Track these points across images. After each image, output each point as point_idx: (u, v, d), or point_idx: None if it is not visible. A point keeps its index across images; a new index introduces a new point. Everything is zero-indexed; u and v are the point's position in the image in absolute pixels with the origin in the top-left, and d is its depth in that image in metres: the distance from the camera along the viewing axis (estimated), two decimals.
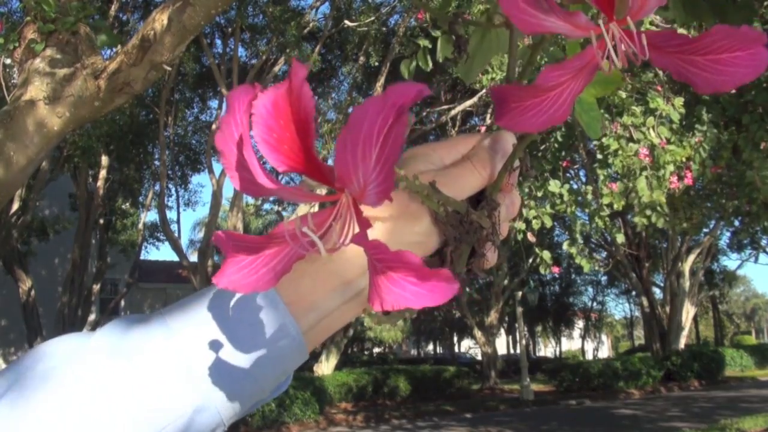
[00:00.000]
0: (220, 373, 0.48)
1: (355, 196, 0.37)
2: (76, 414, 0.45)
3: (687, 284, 22.07)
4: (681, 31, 5.45)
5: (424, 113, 15.49)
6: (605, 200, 6.78)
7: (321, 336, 0.53)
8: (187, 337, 0.49)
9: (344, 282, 0.50)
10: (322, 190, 0.41)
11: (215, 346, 0.49)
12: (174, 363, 0.48)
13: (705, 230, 18.70)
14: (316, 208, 0.43)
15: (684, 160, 6.71)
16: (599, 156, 6.97)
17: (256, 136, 0.37)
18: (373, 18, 13.15)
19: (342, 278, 0.50)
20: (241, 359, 0.49)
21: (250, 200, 21.46)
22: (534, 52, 0.52)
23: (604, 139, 6.78)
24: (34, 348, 0.51)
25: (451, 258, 0.50)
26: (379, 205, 0.36)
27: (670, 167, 6.57)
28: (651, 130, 6.57)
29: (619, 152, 6.58)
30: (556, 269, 7.71)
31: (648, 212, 6.72)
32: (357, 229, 0.38)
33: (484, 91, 10.43)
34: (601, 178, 6.91)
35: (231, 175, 0.40)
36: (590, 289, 37.26)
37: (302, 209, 13.77)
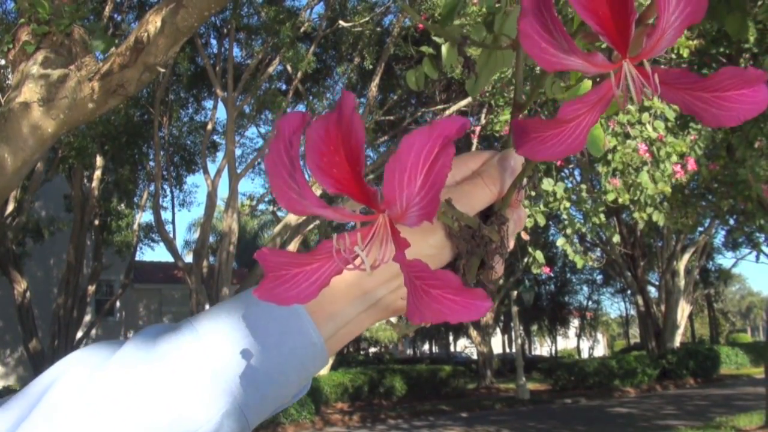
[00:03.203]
0: (248, 379, 0.51)
1: (395, 217, 0.40)
2: (106, 426, 0.47)
3: (682, 283, 22.12)
4: None
5: (419, 113, 15.50)
6: (610, 196, 6.78)
7: (341, 342, 0.56)
8: (217, 345, 0.51)
9: (363, 292, 0.53)
10: (359, 210, 0.43)
11: (243, 353, 0.51)
12: (204, 370, 0.50)
13: (700, 229, 18.75)
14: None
15: (686, 150, 6.75)
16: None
17: (308, 160, 0.40)
18: (367, 18, 13.15)
19: (361, 288, 0.53)
20: (267, 366, 0.51)
21: (246, 201, 21.43)
22: (541, 77, 0.56)
23: None
24: (61, 360, 0.52)
25: (463, 270, 0.53)
26: (418, 225, 0.39)
27: (673, 158, 6.61)
28: (648, 125, 6.60)
29: (618, 148, 6.60)
30: (547, 269, 7.72)
31: (649, 209, 6.73)
32: (393, 247, 0.42)
33: None
34: (603, 173, 6.91)
35: (278, 194, 0.42)
36: (586, 288, 37.29)
37: (292, 218, 13.75)
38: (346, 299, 0.53)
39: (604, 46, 0.45)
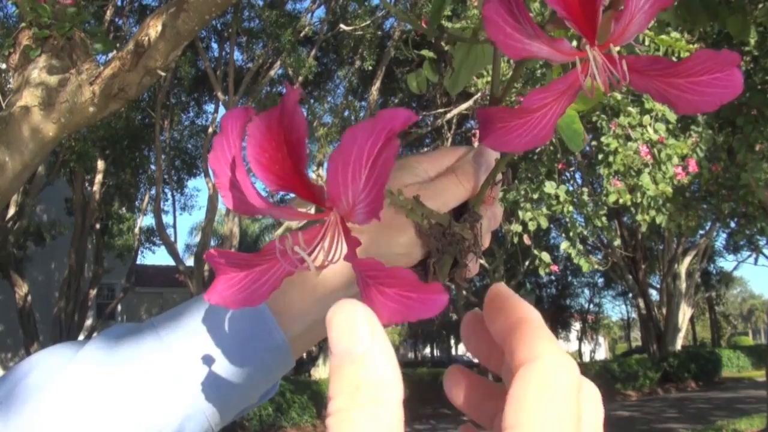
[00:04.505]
0: (210, 382, 0.50)
1: (343, 215, 0.39)
2: (68, 424, 0.46)
3: (683, 286, 22.09)
4: (674, 34, 5.48)
5: (420, 116, 15.50)
6: (611, 198, 6.77)
7: (307, 344, 0.55)
8: (178, 347, 0.50)
9: (329, 292, 0.52)
10: (310, 209, 0.42)
11: (205, 356, 0.50)
12: (165, 373, 0.49)
13: (701, 232, 18.72)
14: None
15: (687, 152, 6.75)
16: (600, 156, 6.99)
17: (249, 156, 0.38)
18: (368, 22, 13.16)
19: (326, 288, 0.52)
20: (229, 369, 0.51)
21: None
22: (516, 71, 0.54)
23: (603, 138, 6.80)
24: (25, 360, 0.52)
25: (434, 268, 0.52)
26: (367, 223, 0.37)
27: (675, 160, 6.61)
28: (649, 128, 6.60)
29: (619, 150, 6.60)
30: (555, 268, 7.70)
31: (652, 212, 6.73)
32: (345, 246, 0.40)
33: (479, 94, 10.43)
34: (604, 175, 6.91)
35: (224, 194, 0.41)
36: (587, 291, 37.25)
37: (294, 221, 13.74)
38: (312, 299, 0.52)
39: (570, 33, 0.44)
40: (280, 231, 14.36)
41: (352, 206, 0.37)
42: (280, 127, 0.37)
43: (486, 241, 0.56)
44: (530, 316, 0.34)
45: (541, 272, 7.56)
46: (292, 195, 0.40)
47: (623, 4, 0.40)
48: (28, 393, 0.48)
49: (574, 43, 0.44)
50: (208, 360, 0.50)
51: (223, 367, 0.50)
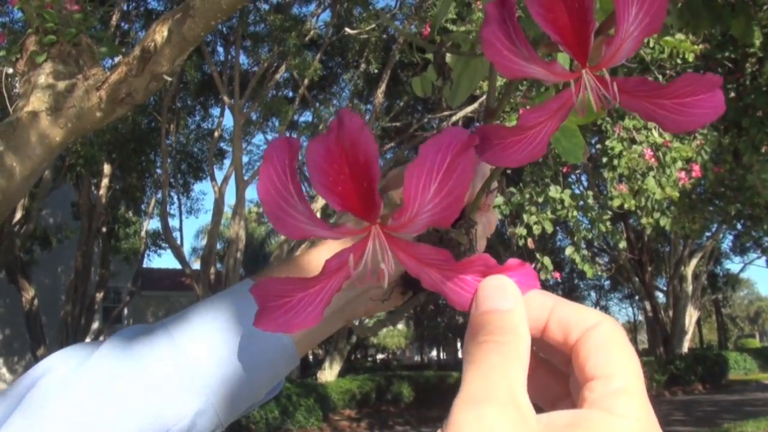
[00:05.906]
0: (220, 379, 0.53)
1: (395, 227, 0.41)
2: (86, 421, 0.48)
3: (690, 288, 22.03)
4: (678, 36, 5.48)
5: (426, 119, 15.50)
6: (615, 202, 6.77)
7: (310, 345, 0.59)
8: (190, 347, 0.53)
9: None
10: (360, 225, 0.43)
11: (214, 355, 0.53)
12: (178, 371, 0.52)
13: (707, 234, 18.68)
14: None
15: (692, 155, 6.76)
16: (604, 159, 6.99)
17: (313, 180, 0.39)
18: (373, 25, 13.17)
19: None
20: (238, 367, 0.53)
21: (253, 208, 21.39)
22: (510, 86, 0.57)
23: (608, 142, 6.80)
24: (43, 360, 0.54)
25: None
26: (420, 232, 0.40)
27: (679, 163, 6.62)
28: (654, 131, 6.60)
29: (624, 153, 6.60)
30: (557, 275, 7.70)
31: (656, 214, 6.73)
32: (392, 256, 0.42)
33: (484, 97, 10.43)
34: (609, 179, 6.92)
35: (275, 221, 0.42)
36: (593, 294, 37.19)
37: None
38: None
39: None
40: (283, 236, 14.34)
41: (414, 216, 0.39)
42: (340, 149, 0.38)
43: (481, 247, 0.58)
44: (559, 298, 0.42)
45: (543, 277, 7.56)
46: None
47: (614, 30, 0.42)
48: (47, 391, 0.50)
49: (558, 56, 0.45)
50: (218, 359, 0.53)
51: (233, 366, 0.53)
